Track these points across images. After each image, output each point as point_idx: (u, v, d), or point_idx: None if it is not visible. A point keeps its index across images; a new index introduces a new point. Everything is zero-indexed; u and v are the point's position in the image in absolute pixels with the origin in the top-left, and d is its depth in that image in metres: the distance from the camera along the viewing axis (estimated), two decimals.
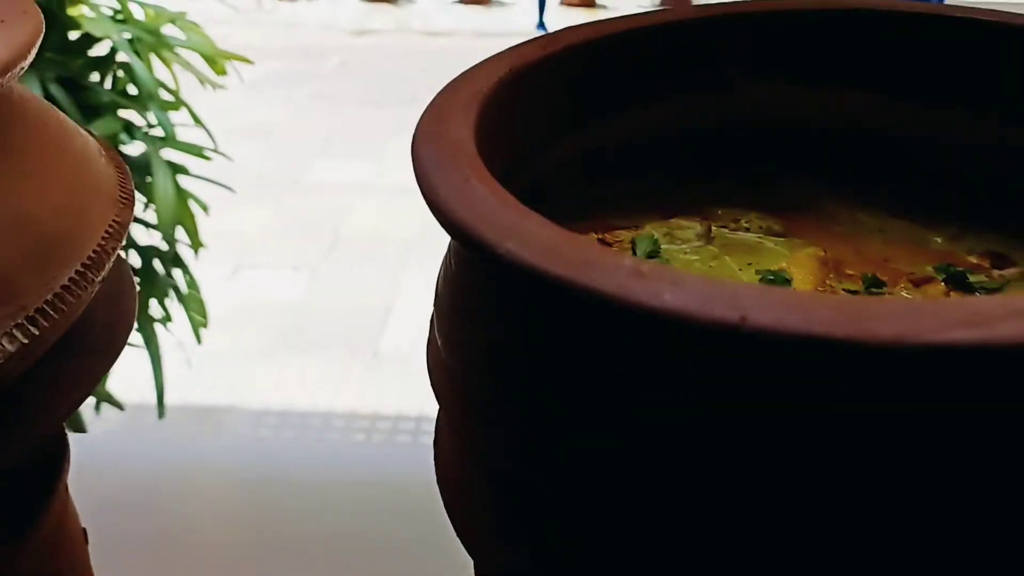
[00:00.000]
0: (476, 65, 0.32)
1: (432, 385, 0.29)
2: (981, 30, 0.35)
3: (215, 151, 1.60)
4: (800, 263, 0.33)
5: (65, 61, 1.45)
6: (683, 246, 0.35)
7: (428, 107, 0.30)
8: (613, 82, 0.37)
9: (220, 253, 2.49)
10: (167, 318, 1.59)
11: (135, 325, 0.39)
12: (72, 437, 0.38)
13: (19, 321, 0.29)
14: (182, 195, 1.53)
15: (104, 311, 0.35)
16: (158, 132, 1.53)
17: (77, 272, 0.31)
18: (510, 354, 0.25)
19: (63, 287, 0.31)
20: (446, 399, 0.28)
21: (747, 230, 0.36)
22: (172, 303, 1.57)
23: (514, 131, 0.34)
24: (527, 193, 0.37)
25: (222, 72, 1.59)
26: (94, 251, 0.32)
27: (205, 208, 1.62)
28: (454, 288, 0.28)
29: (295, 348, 2.28)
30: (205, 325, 1.65)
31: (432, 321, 0.30)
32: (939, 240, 0.35)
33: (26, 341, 0.29)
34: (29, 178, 0.31)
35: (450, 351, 0.28)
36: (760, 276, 0.32)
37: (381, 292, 2.50)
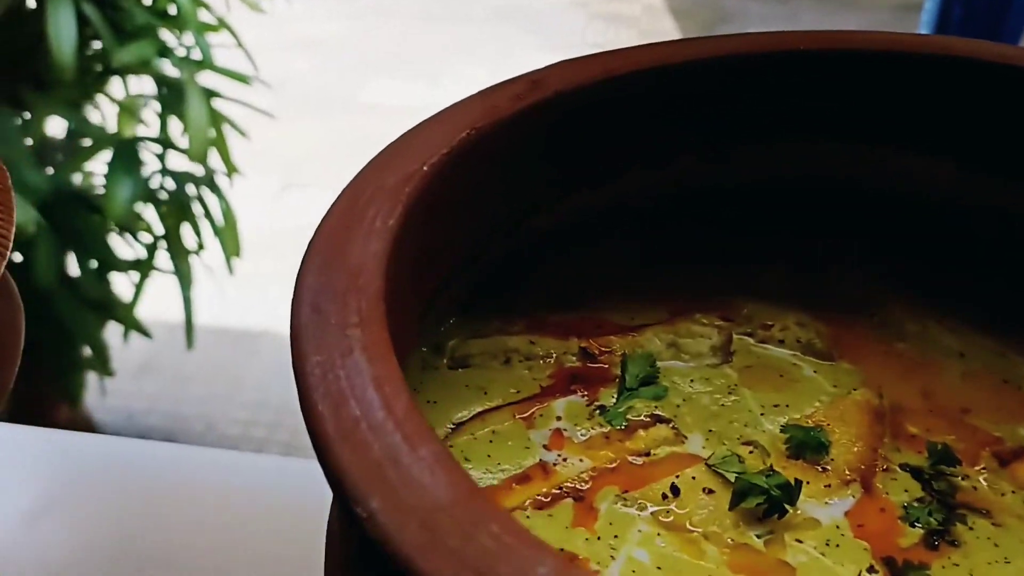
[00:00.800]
0: (423, 123, 0.24)
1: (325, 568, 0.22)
2: None
3: (256, 78, 1.53)
4: (845, 415, 0.24)
5: None
6: (691, 364, 0.26)
7: (341, 194, 0.22)
8: (622, 132, 0.28)
9: (267, 170, 2.43)
10: (201, 247, 1.54)
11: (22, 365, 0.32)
12: None
13: None
14: (217, 120, 1.47)
15: None
16: (196, 55, 1.46)
17: None
18: None
19: None
20: None
21: (780, 343, 0.27)
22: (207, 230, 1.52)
23: (479, 202, 0.26)
24: (505, 270, 0.29)
25: None
26: None
27: (242, 133, 1.56)
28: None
29: None
30: (238, 254, 1.60)
31: None
32: None
33: None
34: None
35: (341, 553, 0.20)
36: (788, 434, 0.23)
37: None
